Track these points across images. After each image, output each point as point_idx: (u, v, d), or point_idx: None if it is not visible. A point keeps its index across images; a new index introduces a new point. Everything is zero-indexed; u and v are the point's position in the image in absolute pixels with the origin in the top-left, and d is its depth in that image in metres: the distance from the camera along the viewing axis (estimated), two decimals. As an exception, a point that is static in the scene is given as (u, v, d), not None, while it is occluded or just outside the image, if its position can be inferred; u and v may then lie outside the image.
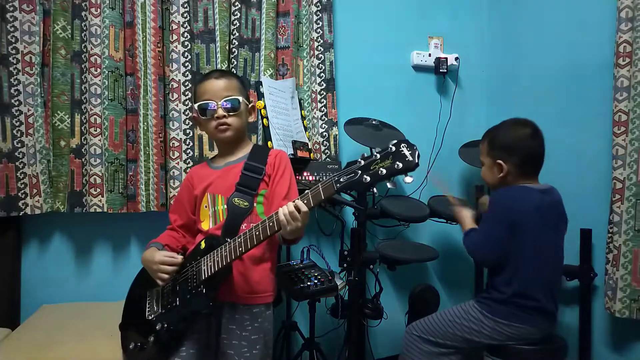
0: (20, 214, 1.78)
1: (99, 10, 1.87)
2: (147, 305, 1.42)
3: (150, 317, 1.39)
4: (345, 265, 1.92)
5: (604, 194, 1.85)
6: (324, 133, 2.17)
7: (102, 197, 1.88)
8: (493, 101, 2.57)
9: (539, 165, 1.60)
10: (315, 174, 1.97)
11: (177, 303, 1.33)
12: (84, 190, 1.89)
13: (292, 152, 1.89)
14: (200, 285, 1.29)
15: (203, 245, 1.33)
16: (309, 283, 1.68)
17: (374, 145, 2.06)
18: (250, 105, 1.52)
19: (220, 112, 1.41)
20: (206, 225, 1.43)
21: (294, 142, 1.92)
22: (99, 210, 1.88)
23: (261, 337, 1.38)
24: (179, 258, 1.35)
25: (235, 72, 2.06)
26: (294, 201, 1.16)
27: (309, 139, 2.12)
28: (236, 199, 1.37)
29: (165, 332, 1.33)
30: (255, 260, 1.38)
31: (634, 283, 1.70)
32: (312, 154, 2.08)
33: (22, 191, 1.79)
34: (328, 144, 2.18)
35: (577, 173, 2.02)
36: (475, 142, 2.33)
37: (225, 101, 1.41)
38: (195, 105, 1.46)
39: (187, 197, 1.51)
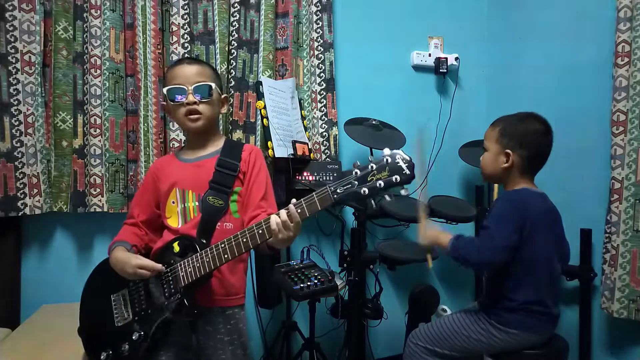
0: (19, 214, 1.78)
1: (99, 11, 1.87)
2: (115, 311, 1.33)
3: (120, 324, 1.31)
4: (345, 265, 1.92)
5: (603, 194, 1.85)
6: (324, 133, 2.17)
7: (103, 197, 1.88)
8: (493, 101, 2.57)
9: (542, 164, 1.56)
10: (315, 174, 1.97)
11: (154, 310, 1.27)
12: (86, 190, 1.90)
13: (292, 152, 1.90)
14: (178, 291, 1.23)
15: (177, 248, 1.26)
16: (309, 283, 1.68)
17: (374, 146, 2.06)
18: (223, 97, 1.43)
19: (191, 97, 1.32)
20: (174, 222, 1.35)
21: (294, 142, 1.92)
22: (99, 210, 1.88)
23: (235, 338, 1.34)
24: (159, 267, 1.25)
25: (234, 73, 2.07)
26: (288, 209, 1.11)
27: (309, 139, 2.12)
28: (210, 197, 1.30)
29: (143, 341, 1.26)
30: (231, 265, 1.32)
31: (632, 283, 1.70)
32: (312, 154, 2.08)
33: (21, 191, 1.79)
34: (328, 144, 2.18)
35: (576, 173, 2.02)
36: (476, 142, 2.33)
37: (196, 86, 1.33)
38: (164, 90, 1.36)
39: (152, 191, 1.43)
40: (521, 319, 1.46)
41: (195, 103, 1.33)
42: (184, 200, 1.35)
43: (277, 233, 1.11)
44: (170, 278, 1.25)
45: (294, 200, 1.12)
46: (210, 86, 1.35)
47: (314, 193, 1.08)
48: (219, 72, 2.01)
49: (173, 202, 1.36)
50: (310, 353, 1.97)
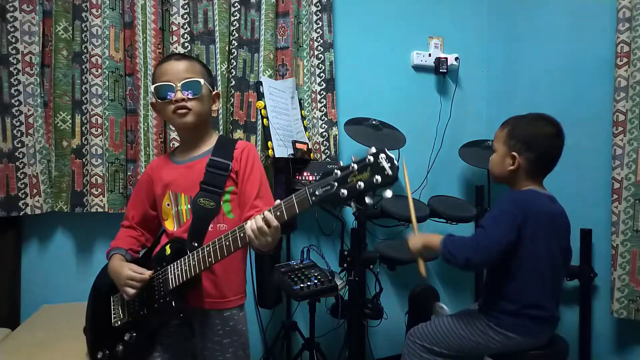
0: (21, 214, 1.79)
1: (99, 11, 1.88)
2: (113, 311, 1.35)
3: (116, 324, 1.32)
4: (345, 265, 1.92)
5: (604, 194, 1.85)
6: (324, 133, 2.18)
7: (103, 197, 1.89)
8: (493, 101, 2.57)
9: (551, 167, 1.53)
10: (315, 174, 1.97)
11: (145, 312, 1.27)
12: (84, 190, 1.90)
13: (292, 152, 1.90)
14: (167, 295, 1.23)
15: (168, 251, 1.26)
16: (309, 283, 1.69)
17: (374, 146, 2.06)
18: (214, 93, 1.39)
19: (179, 94, 1.28)
20: (170, 224, 1.35)
21: (294, 142, 1.92)
22: (100, 210, 1.88)
23: (234, 339, 1.32)
24: (147, 274, 1.26)
25: (234, 73, 2.07)
26: (263, 214, 1.06)
27: (309, 139, 2.13)
28: (201, 199, 1.27)
29: (135, 342, 1.28)
30: (226, 266, 1.29)
31: (632, 283, 1.69)
32: (312, 154, 2.09)
33: (22, 191, 1.79)
34: (328, 144, 2.18)
35: (577, 173, 2.02)
36: (476, 142, 2.34)
37: (184, 83, 1.29)
38: (152, 87, 1.32)
39: (146, 191, 1.42)
40: (520, 323, 1.44)
41: (183, 100, 1.29)
42: (176, 203, 1.33)
43: (253, 239, 1.08)
44: (161, 281, 1.26)
45: (277, 201, 1.08)
46: (199, 82, 1.31)
47: (293, 195, 1.03)
48: (220, 71, 2.02)
49: (168, 205, 1.35)
50: (310, 353, 1.97)
